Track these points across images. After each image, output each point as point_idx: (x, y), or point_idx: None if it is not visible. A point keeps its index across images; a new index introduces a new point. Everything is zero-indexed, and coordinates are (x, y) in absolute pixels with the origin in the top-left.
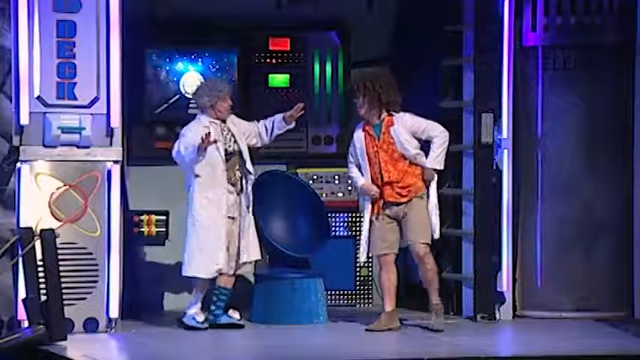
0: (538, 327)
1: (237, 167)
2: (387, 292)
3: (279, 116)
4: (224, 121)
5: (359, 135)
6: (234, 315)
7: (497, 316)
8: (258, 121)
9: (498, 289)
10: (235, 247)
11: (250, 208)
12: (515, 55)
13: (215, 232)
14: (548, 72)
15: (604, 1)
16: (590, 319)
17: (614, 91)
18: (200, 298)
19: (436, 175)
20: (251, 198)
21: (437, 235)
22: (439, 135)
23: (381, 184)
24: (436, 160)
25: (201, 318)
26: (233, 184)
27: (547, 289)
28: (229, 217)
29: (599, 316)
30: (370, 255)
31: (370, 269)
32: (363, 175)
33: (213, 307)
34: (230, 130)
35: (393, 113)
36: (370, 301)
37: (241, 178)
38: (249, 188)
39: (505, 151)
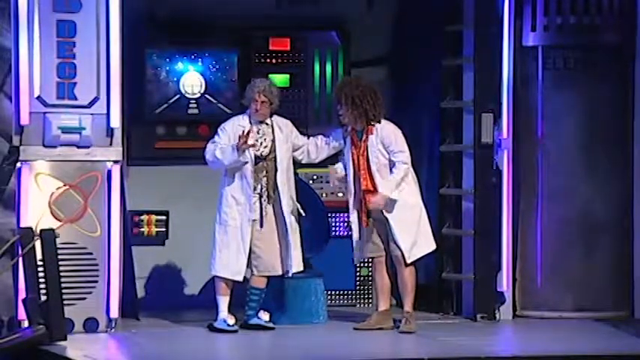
0: (538, 327)
1: (265, 173)
2: (379, 292)
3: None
4: (263, 123)
5: (346, 138)
6: (264, 317)
7: (497, 316)
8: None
9: (498, 289)
10: (260, 250)
11: (290, 217)
12: (515, 55)
13: (238, 233)
14: (548, 72)
15: (604, 1)
16: (590, 319)
17: (614, 91)
18: (223, 301)
19: (383, 203)
20: (287, 206)
21: (410, 259)
22: (401, 165)
23: (360, 191)
24: (388, 186)
25: (231, 321)
26: (254, 189)
27: (547, 289)
28: (253, 220)
29: (599, 316)
30: (363, 258)
31: (370, 269)
32: (347, 176)
33: (246, 308)
34: (266, 134)
35: (375, 123)
36: (370, 301)
37: (268, 186)
38: (285, 197)
39: (505, 151)
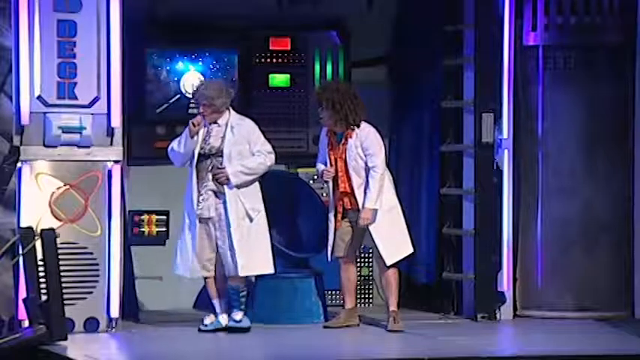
0: (538, 327)
1: (210, 169)
2: (345, 290)
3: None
4: (214, 123)
5: (324, 139)
6: (236, 317)
7: (498, 315)
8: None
9: (499, 289)
10: (223, 249)
11: (237, 219)
12: (515, 55)
13: (190, 231)
14: (548, 72)
15: (604, 1)
16: (590, 318)
17: (614, 91)
18: (215, 303)
19: (371, 217)
20: (235, 210)
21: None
22: (375, 172)
23: (338, 192)
24: (371, 200)
25: (206, 321)
26: (201, 186)
27: (547, 288)
28: (205, 218)
29: (599, 315)
30: (334, 256)
31: (370, 269)
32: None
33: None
34: (216, 133)
35: (355, 128)
36: (370, 300)
37: (215, 184)
38: (231, 198)
39: (505, 151)
